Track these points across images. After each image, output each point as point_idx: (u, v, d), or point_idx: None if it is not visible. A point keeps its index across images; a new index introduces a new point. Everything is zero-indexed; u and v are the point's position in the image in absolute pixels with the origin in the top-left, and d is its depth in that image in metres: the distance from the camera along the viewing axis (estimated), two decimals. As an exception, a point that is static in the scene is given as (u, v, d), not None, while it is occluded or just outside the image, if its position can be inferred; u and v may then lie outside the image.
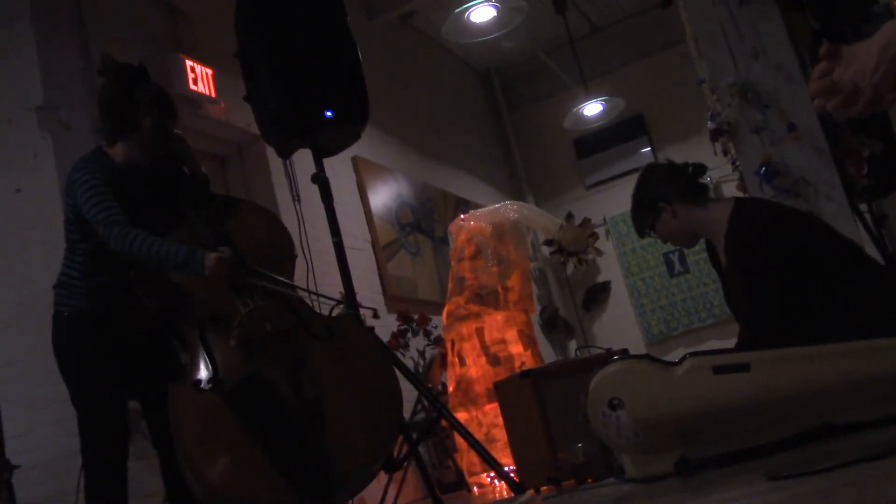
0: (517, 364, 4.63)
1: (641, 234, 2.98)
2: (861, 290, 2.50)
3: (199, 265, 2.72)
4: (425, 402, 4.53)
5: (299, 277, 3.14)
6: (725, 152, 4.44)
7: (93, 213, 2.75)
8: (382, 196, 6.42)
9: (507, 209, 5.16)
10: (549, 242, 8.59)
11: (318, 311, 3.11)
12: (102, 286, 2.83)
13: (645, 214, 2.88)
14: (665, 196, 2.81)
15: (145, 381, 2.88)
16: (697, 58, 4.69)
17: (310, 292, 3.07)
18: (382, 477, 3.71)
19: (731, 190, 6.84)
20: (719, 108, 4.19)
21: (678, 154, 8.23)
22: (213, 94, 4.82)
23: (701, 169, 2.89)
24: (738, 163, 4.32)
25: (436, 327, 5.33)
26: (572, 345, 8.47)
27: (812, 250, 2.58)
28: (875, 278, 2.56)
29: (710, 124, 4.25)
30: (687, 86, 7.06)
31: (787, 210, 2.90)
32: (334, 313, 3.23)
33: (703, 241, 2.95)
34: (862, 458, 1.66)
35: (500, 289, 4.89)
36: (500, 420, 3.90)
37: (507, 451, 3.78)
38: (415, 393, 4.38)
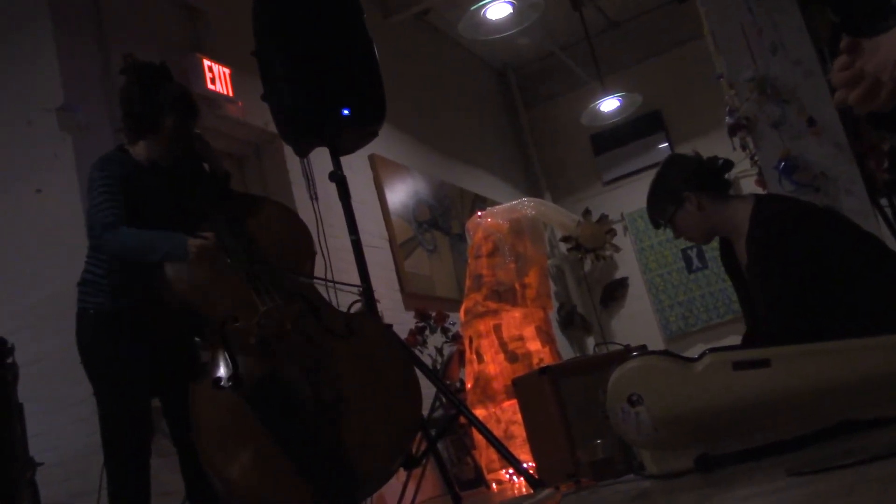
0: (535, 361, 4.62)
1: (657, 225, 2.90)
2: (884, 285, 2.48)
3: (182, 252, 2.73)
4: (444, 399, 4.54)
5: (318, 276, 3.15)
6: (744, 147, 4.42)
7: (91, 212, 2.81)
8: (399, 194, 6.42)
9: (525, 206, 5.15)
10: (566, 239, 8.58)
11: (337, 307, 3.11)
12: (126, 284, 2.85)
13: (666, 203, 2.81)
14: (691, 186, 2.76)
15: (166, 379, 2.90)
16: (715, 53, 4.67)
17: (322, 280, 3.06)
18: (401, 474, 3.71)
19: (749, 185, 6.81)
20: (737, 104, 4.17)
21: (697, 150, 8.21)
22: (231, 94, 4.84)
23: (729, 165, 2.85)
24: (756, 158, 4.30)
25: (453, 324, 5.33)
26: (590, 341, 8.45)
27: (834, 246, 2.56)
28: (896, 273, 2.54)
29: (728, 119, 4.23)
30: (704, 81, 7.03)
31: (808, 206, 2.87)
32: (353, 309, 3.23)
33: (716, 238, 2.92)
34: (884, 455, 1.65)
35: (517, 285, 4.89)
36: (518, 417, 3.90)
37: (526, 448, 3.78)
38: (433, 390, 4.38)
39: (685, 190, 2.76)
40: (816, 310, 2.47)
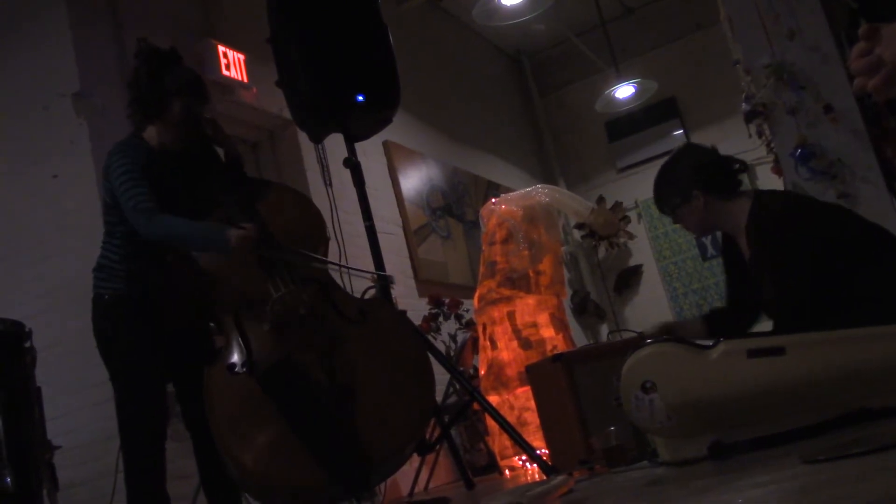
0: (549, 348, 4.62)
1: (662, 210, 2.89)
2: (890, 273, 2.48)
3: (223, 242, 2.73)
4: (457, 386, 4.55)
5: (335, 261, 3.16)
6: (760, 134, 4.40)
7: (123, 199, 2.78)
8: (413, 180, 6.42)
9: (539, 193, 5.14)
10: (580, 226, 8.57)
11: (350, 293, 3.12)
12: (141, 270, 2.86)
13: (674, 195, 2.79)
14: (702, 185, 2.73)
15: (180, 365, 2.92)
16: (731, 39, 4.64)
17: (339, 266, 3.07)
18: (415, 459, 3.74)
19: (765, 172, 6.76)
20: (754, 90, 4.15)
21: (711, 137, 8.17)
22: (246, 80, 4.85)
23: (744, 167, 2.83)
24: (773, 145, 4.27)
25: (467, 311, 5.34)
26: (604, 329, 8.44)
27: (838, 235, 2.56)
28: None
29: (744, 106, 4.20)
30: (720, 67, 6.99)
31: (808, 197, 2.86)
32: (367, 296, 3.24)
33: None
34: (899, 443, 1.65)
35: (531, 272, 4.88)
36: (531, 403, 3.91)
37: (539, 435, 3.79)
38: (447, 376, 4.40)
39: (695, 188, 2.74)
40: (826, 297, 2.47)
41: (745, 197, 2.73)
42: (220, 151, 3.15)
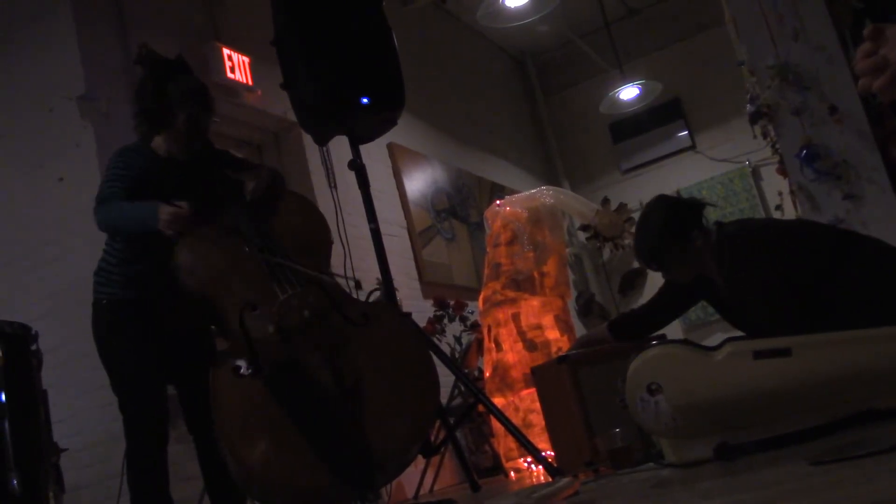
0: (554, 349, 4.62)
1: (655, 263, 2.88)
2: (868, 275, 2.51)
3: (154, 219, 2.73)
4: (462, 388, 4.55)
5: (336, 264, 3.16)
6: (765, 135, 4.40)
7: (97, 195, 2.82)
8: (418, 182, 6.43)
9: (543, 194, 5.13)
10: (585, 228, 8.56)
11: (356, 296, 3.12)
12: (140, 274, 2.87)
13: (675, 241, 2.77)
14: (698, 225, 2.76)
15: (182, 368, 2.92)
16: (736, 39, 4.64)
17: (329, 276, 3.07)
18: (420, 461, 3.74)
19: (770, 173, 6.75)
20: (759, 91, 4.15)
21: (716, 138, 8.17)
22: (250, 82, 4.86)
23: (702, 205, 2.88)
24: (778, 146, 4.27)
25: (472, 313, 5.34)
26: (608, 330, 8.42)
27: (809, 246, 2.62)
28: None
29: (749, 107, 4.20)
30: (725, 68, 6.99)
31: (768, 218, 2.92)
32: (371, 299, 3.24)
33: None
34: (906, 444, 1.64)
35: (536, 274, 4.88)
36: (536, 405, 3.90)
37: (544, 437, 3.78)
38: (452, 378, 4.40)
39: (694, 228, 2.75)
40: (814, 306, 2.50)
41: (709, 230, 2.78)
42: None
